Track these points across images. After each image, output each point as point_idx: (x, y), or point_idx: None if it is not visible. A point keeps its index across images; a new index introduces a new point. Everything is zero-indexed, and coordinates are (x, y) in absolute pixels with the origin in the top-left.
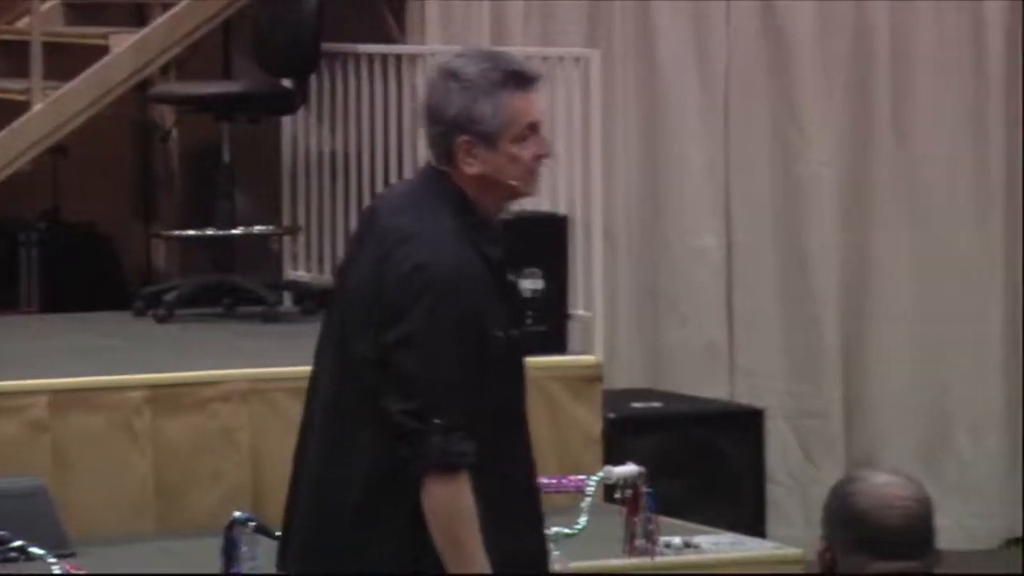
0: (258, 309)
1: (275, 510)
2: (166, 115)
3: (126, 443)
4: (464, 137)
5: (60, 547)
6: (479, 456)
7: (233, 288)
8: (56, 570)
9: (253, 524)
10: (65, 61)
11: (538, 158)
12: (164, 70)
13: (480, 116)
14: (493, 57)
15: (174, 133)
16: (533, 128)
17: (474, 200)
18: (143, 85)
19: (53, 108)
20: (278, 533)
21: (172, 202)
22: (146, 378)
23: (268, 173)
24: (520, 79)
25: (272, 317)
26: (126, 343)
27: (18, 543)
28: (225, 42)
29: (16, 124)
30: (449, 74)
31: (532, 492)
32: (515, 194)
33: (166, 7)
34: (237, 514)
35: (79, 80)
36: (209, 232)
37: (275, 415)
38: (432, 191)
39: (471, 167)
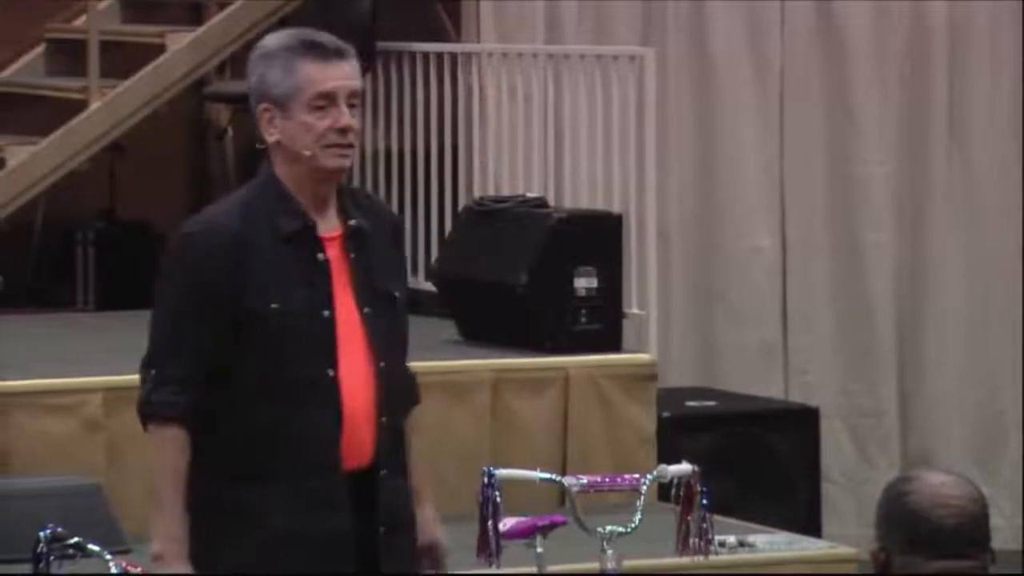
0: None
1: None
2: (221, 113)
3: None
4: (262, 105)
5: (116, 544)
6: (217, 416)
7: None
8: (113, 567)
9: None
10: (122, 60)
11: (334, 129)
12: (220, 68)
13: (272, 81)
14: (297, 33)
15: (229, 131)
16: (328, 98)
17: (282, 175)
18: (199, 83)
19: (110, 107)
20: None
21: None
22: None
23: None
24: (316, 49)
25: None
26: None
27: (75, 540)
28: None
29: (73, 123)
30: (256, 49)
31: (321, 472)
32: (316, 166)
33: (222, 6)
34: None
35: (136, 79)
36: None
37: None
38: (256, 171)
39: (271, 136)
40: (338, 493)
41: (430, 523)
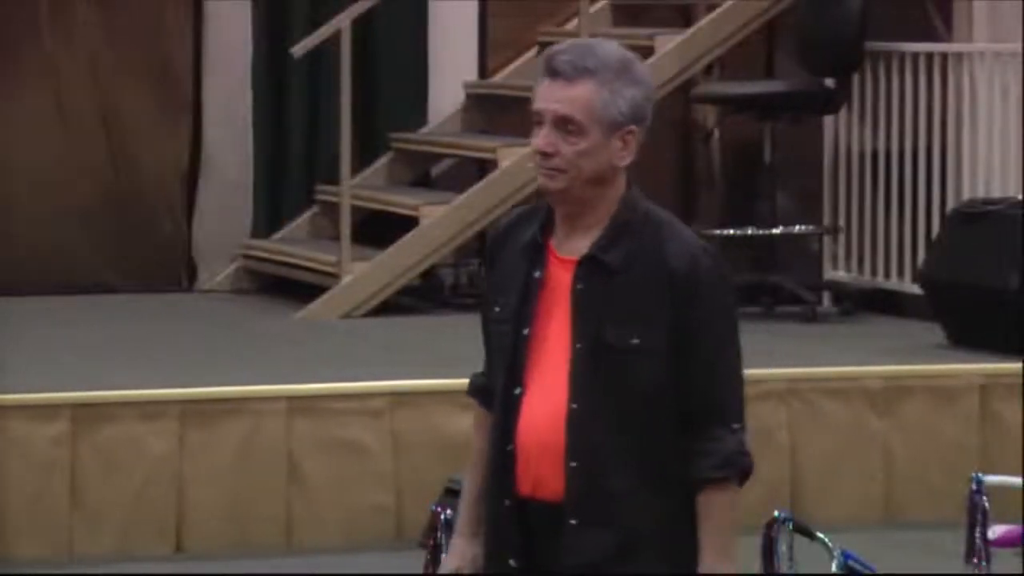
0: (797, 309)
1: (814, 510)
2: (708, 115)
3: None
4: None
5: None
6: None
7: (773, 288)
8: None
9: (792, 524)
10: None
11: (536, 150)
12: (707, 70)
13: None
14: (555, 47)
15: (716, 134)
16: (539, 116)
17: None
18: (686, 86)
19: None
20: (819, 534)
21: (713, 201)
22: None
23: (809, 173)
24: (547, 64)
25: (811, 317)
26: None
27: None
28: (768, 42)
29: None
30: None
31: (493, 468)
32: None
33: (711, 7)
34: (777, 513)
35: None
36: (749, 231)
37: (813, 415)
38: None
39: None
40: (506, 520)
41: None
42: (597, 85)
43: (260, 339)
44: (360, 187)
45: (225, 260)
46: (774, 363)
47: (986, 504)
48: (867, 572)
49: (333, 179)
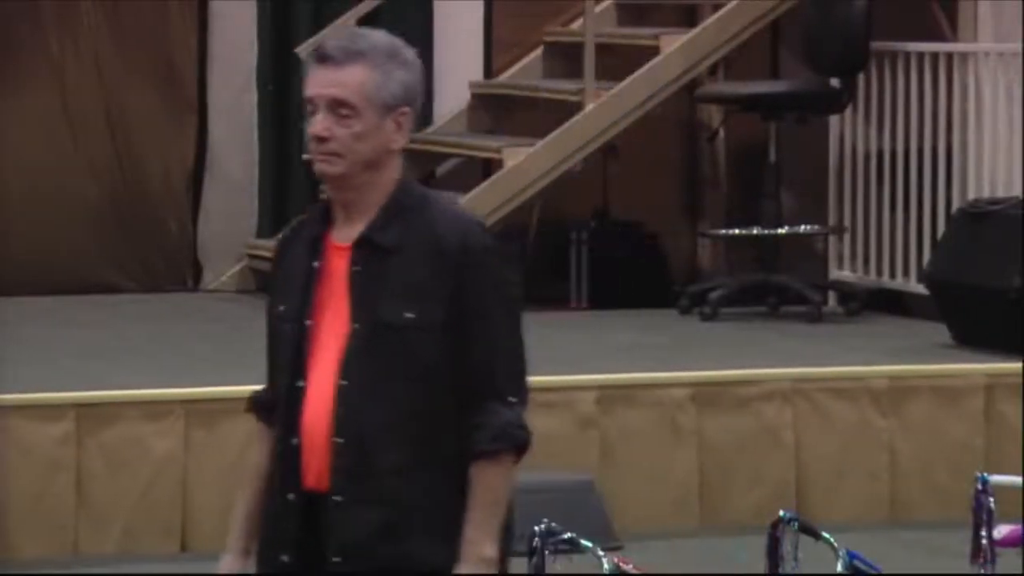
0: (802, 309)
1: (820, 510)
2: (713, 115)
3: (670, 440)
4: None
5: (607, 541)
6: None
7: (778, 287)
8: (605, 563)
9: (797, 524)
10: (616, 62)
11: (313, 137)
12: (712, 70)
13: None
14: (325, 35)
15: (721, 133)
16: (312, 104)
17: None
18: (691, 85)
19: (604, 108)
20: (824, 533)
21: (718, 201)
22: (690, 376)
23: (814, 172)
24: (317, 52)
25: (816, 317)
26: (671, 340)
27: (568, 535)
28: (773, 41)
29: (569, 124)
30: None
31: (279, 489)
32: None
33: (717, 7)
34: (783, 513)
35: (630, 80)
36: (755, 231)
37: (818, 415)
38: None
39: None
40: (286, 515)
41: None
42: (368, 67)
43: (264, 339)
44: None
45: (230, 260)
46: (779, 363)
47: (991, 504)
48: (872, 572)
49: None
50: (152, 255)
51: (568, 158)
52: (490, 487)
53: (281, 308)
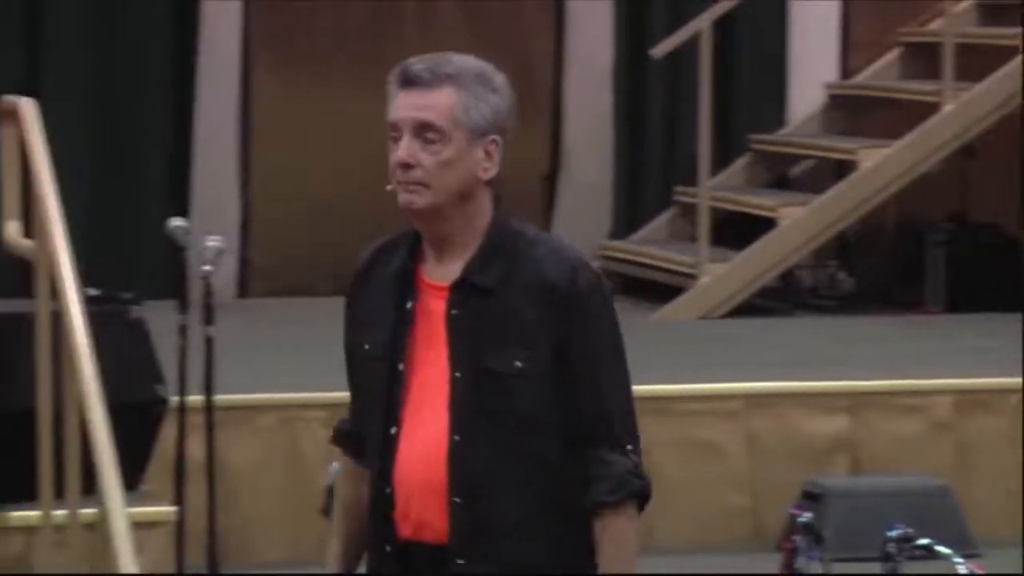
0: None
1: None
2: None
3: None
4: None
5: (965, 547)
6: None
7: None
8: (962, 570)
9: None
10: (976, 62)
11: (396, 165)
12: None
13: None
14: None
15: None
16: (395, 129)
17: None
18: None
19: (963, 109)
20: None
21: None
22: None
23: None
24: (401, 74)
25: None
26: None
27: (923, 541)
28: None
29: (926, 125)
30: None
31: (371, 514)
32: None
33: None
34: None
35: (989, 81)
36: None
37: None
38: None
39: None
40: (384, 564)
41: None
42: (458, 90)
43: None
44: (718, 188)
45: None
46: None
47: None
48: None
49: (691, 180)
50: None
51: (925, 159)
52: (617, 540)
53: (367, 345)
